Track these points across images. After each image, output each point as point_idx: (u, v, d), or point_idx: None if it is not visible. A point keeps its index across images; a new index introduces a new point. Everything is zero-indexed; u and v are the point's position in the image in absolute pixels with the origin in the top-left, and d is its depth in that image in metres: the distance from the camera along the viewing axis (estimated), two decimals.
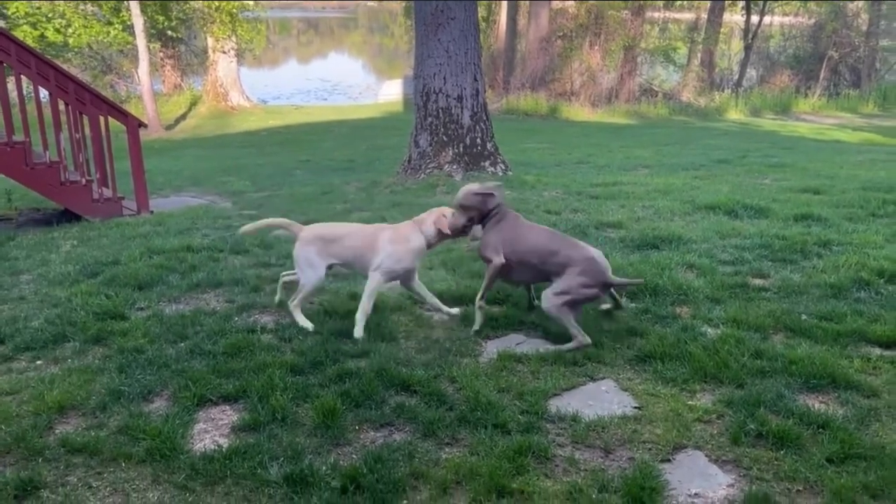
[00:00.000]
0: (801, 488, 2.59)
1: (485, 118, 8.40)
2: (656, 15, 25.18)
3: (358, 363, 3.53)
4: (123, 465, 2.76)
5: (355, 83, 31.02)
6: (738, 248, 5.25)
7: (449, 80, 8.10)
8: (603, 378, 3.45)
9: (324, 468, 2.69)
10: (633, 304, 4.28)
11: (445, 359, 3.60)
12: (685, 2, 27.38)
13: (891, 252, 5.06)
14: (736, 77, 23.52)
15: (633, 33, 20.75)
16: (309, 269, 3.96)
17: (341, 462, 2.75)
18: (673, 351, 3.62)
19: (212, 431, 3.01)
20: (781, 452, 2.80)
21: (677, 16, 29.07)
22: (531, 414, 3.08)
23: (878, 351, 3.64)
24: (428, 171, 8.19)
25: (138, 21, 17.62)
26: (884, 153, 11.56)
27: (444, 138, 8.22)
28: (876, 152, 11.82)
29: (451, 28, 8.04)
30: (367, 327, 3.90)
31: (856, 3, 25.25)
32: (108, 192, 7.60)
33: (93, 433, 2.96)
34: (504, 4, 23.25)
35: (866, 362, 3.51)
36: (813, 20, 24.33)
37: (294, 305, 3.99)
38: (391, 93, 25.66)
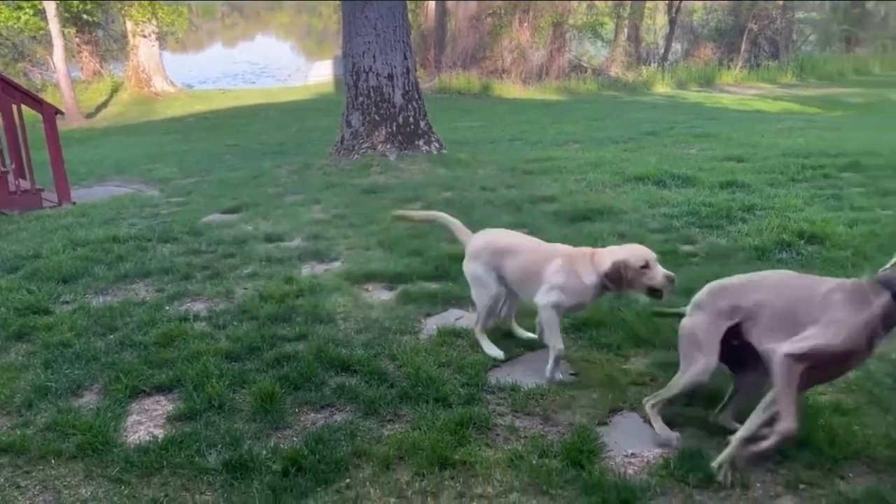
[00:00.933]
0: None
1: (417, 97, 8.35)
2: None
3: (296, 347, 3.49)
4: (53, 462, 2.66)
5: (284, 65, 30.38)
6: (667, 217, 5.40)
7: (378, 59, 8.01)
8: (542, 348, 3.50)
9: (264, 452, 2.65)
10: None
11: (385, 338, 3.59)
12: None
13: (810, 214, 5.28)
14: (662, 51, 24.05)
15: (561, 10, 20.94)
16: (480, 287, 3.39)
17: (282, 445, 2.72)
18: (608, 318, 3.70)
19: (146, 423, 2.93)
20: (711, 411, 2.90)
21: None
22: (472, 386, 3.10)
23: None
24: (361, 151, 8.10)
25: (50, 5, 16.78)
26: (802, 121, 12.03)
27: (377, 118, 8.14)
28: (794, 120, 12.29)
29: (378, 5, 7.93)
30: (303, 310, 3.85)
31: None
32: (25, 184, 7.26)
33: (19, 431, 2.84)
34: None
35: None
36: None
37: (478, 331, 3.44)
38: (321, 74, 25.25)
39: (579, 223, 5.36)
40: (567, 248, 3.34)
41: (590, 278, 3.13)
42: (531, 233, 5.10)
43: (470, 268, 3.44)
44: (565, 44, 21.95)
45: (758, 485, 2.49)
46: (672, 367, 3.22)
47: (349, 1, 8.09)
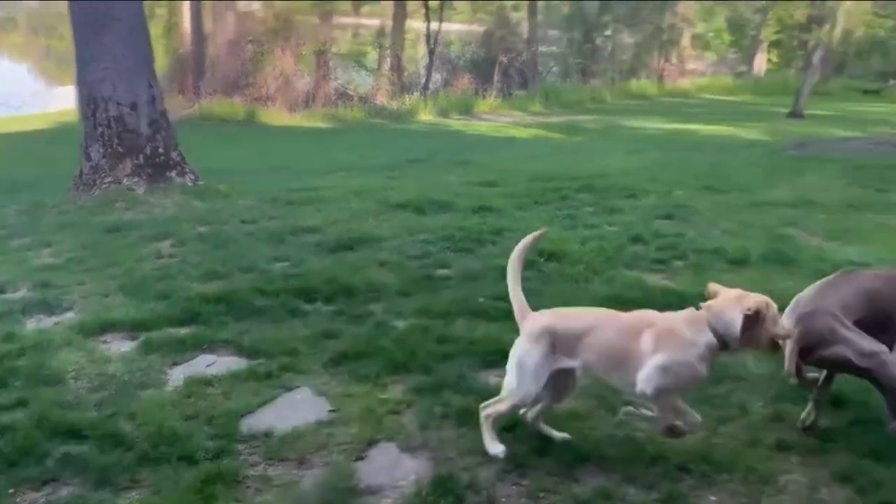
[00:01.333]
0: (480, 460, 2.79)
1: (166, 126, 7.85)
2: (345, 20, 25.88)
3: (13, 415, 3.05)
4: None
5: (18, 91, 27.16)
6: (425, 243, 5.58)
7: (119, 87, 7.42)
8: (298, 387, 3.40)
9: None
10: (328, 307, 4.31)
11: (124, 394, 3.27)
12: (372, 4, 28.49)
13: (550, 234, 5.72)
14: (423, 81, 25.13)
15: (324, 38, 21.05)
16: (523, 377, 2.73)
17: None
18: (366, 348, 3.71)
19: None
20: (464, 429, 3.00)
21: (366, 22, 30.18)
22: (222, 438, 2.92)
23: None
24: (104, 186, 7.43)
25: None
26: (548, 146, 13.19)
27: (120, 149, 7.52)
28: (541, 146, 13.43)
29: (117, 29, 7.36)
30: (25, 371, 3.39)
31: (518, 13, 28.45)
32: None
33: None
34: (186, 5, 22.08)
35: None
36: (483, 28, 26.91)
37: (489, 421, 2.75)
38: (63, 100, 22.92)
39: (341, 253, 5.35)
40: (655, 315, 2.80)
41: (701, 341, 2.60)
42: (293, 265, 5.03)
43: (522, 351, 2.80)
44: (330, 71, 22.09)
45: (503, 499, 2.60)
46: (429, 390, 3.31)
47: (83, 25, 7.42)
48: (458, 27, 30.73)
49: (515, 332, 3.89)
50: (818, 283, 3.14)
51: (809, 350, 2.82)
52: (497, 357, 3.61)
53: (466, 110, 21.17)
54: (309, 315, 4.19)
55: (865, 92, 25.70)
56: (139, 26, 7.62)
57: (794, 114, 18.42)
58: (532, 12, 25.96)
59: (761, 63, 28.33)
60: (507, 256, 5.03)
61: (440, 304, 4.28)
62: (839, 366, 2.89)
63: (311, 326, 4.01)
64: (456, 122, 19.42)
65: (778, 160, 9.66)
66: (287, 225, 6.18)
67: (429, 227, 6.05)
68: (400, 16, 25.32)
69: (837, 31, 24.08)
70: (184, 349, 3.72)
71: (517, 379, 2.75)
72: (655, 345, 2.62)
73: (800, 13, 27.41)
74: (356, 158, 11.79)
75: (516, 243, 5.30)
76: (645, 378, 2.60)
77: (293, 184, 8.49)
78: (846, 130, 14.60)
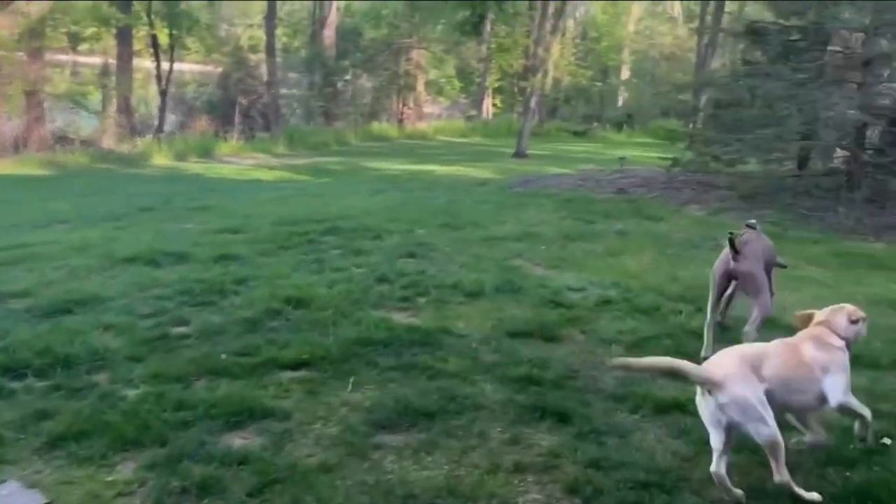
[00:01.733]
0: None
1: None
2: (61, 58, 23.54)
3: None
4: None
5: None
6: (160, 299, 5.17)
7: None
8: (4, 481, 2.92)
9: None
10: (42, 383, 3.79)
11: None
12: (92, 41, 26.27)
13: (297, 280, 5.66)
14: (156, 122, 23.68)
15: (34, 77, 18.92)
16: (763, 416, 2.81)
17: None
18: (89, 425, 3.31)
19: None
20: (205, 501, 2.79)
21: (84, 59, 27.75)
22: None
23: (288, 374, 3.98)
24: None
25: None
26: (293, 189, 13.05)
27: None
28: (287, 188, 13.26)
29: None
30: None
31: (256, 55, 28.11)
32: None
33: None
34: None
35: (279, 387, 3.80)
36: (220, 69, 26.16)
37: (787, 478, 2.80)
38: None
39: (57, 318, 4.75)
40: (797, 337, 3.20)
41: (841, 343, 3.13)
42: None
43: (746, 397, 2.81)
44: (45, 113, 19.89)
45: None
46: (165, 464, 3.02)
47: None
48: (191, 67, 29.51)
49: (258, 387, 3.77)
50: None
51: None
52: (241, 417, 3.44)
53: (206, 153, 20.32)
54: (17, 395, 3.64)
55: (574, 133, 29.26)
56: None
57: (518, 154, 20.33)
58: (271, 54, 25.81)
59: (488, 107, 30.98)
60: (252, 307, 4.93)
61: (177, 367, 3.98)
62: None
63: (20, 408, 3.49)
64: (195, 166, 18.52)
65: (505, 197, 10.54)
66: None
67: (163, 281, 5.63)
68: (125, 54, 23.67)
69: (548, 80, 27.21)
70: None
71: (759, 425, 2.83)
72: (824, 354, 3.08)
73: (517, 63, 30.55)
74: (78, 208, 10.66)
75: (261, 292, 5.19)
76: (832, 390, 3.02)
77: None
78: (560, 168, 16.41)
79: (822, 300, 5.43)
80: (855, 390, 3.86)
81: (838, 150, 9.15)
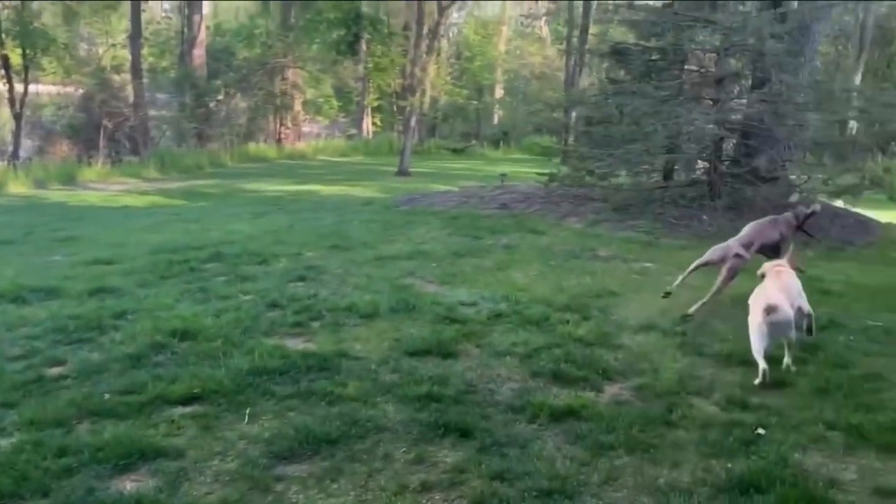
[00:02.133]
0: None
1: None
2: None
3: None
4: None
5: None
6: (30, 338, 4.81)
7: None
8: None
9: None
10: None
11: None
12: None
13: (181, 311, 5.42)
14: (11, 148, 22.01)
15: None
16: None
17: None
18: None
19: None
20: None
21: None
22: None
23: (179, 410, 3.81)
24: None
25: None
26: (167, 215, 12.48)
27: None
28: (161, 214, 12.67)
29: None
30: None
31: (121, 76, 26.75)
32: None
33: None
34: None
35: (171, 425, 3.63)
36: (81, 90, 24.69)
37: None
38: None
39: None
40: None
41: None
42: None
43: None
44: None
45: None
46: None
47: None
48: (49, 89, 27.65)
49: (147, 426, 3.58)
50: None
51: None
52: (132, 459, 3.27)
53: (69, 180, 19.07)
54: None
55: (453, 151, 29.81)
56: None
57: (401, 172, 20.46)
58: (137, 75, 24.66)
59: (368, 126, 31.01)
60: (134, 342, 4.68)
61: (55, 410, 3.71)
62: None
63: None
64: (57, 194, 17.33)
65: (392, 216, 10.57)
66: None
67: (32, 319, 5.24)
68: None
69: (426, 99, 27.62)
70: None
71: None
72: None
73: (395, 83, 30.82)
74: None
75: (143, 325, 4.93)
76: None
77: None
78: (443, 185, 16.65)
79: (694, 303, 5.85)
80: (728, 384, 4.19)
81: (699, 161, 9.86)
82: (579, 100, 12.04)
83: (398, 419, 3.76)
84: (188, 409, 3.82)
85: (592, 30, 23.63)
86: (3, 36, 22.02)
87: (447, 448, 3.48)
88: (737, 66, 10.31)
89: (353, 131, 31.18)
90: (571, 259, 7.32)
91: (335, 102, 32.62)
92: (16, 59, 23.36)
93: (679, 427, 3.72)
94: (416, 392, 4.02)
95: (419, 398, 3.96)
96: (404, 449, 3.48)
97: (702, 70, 10.48)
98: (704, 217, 8.78)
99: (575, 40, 26.34)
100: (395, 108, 31.85)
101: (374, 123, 32.27)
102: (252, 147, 25.94)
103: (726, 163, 9.67)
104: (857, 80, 22.69)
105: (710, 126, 8.34)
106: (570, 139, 22.39)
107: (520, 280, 6.51)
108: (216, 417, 3.73)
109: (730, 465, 3.32)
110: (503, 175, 13.48)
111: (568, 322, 5.26)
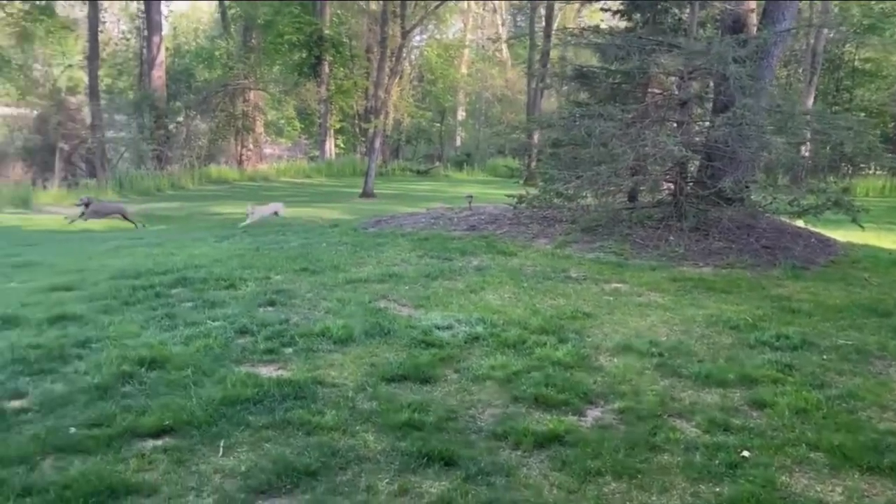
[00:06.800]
0: None
1: None
2: None
3: None
4: None
5: None
6: None
7: None
8: None
9: None
10: None
11: None
12: None
13: (148, 338, 5.24)
14: None
15: None
16: None
17: None
18: None
19: None
20: None
21: None
22: None
23: (151, 443, 3.66)
24: None
25: None
26: (127, 239, 12.17)
27: None
28: (121, 238, 12.33)
29: None
30: None
31: (77, 97, 26.24)
32: None
33: None
34: None
35: (142, 459, 3.48)
36: (36, 112, 24.13)
37: None
38: None
39: None
40: None
41: None
42: None
43: None
44: None
45: None
46: None
47: None
48: (2, 110, 26.98)
49: (117, 461, 3.42)
50: None
51: None
52: (101, 498, 3.11)
53: (23, 203, 18.57)
54: None
55: (417, 172, 29.85)
56: None
57: (365, 193, 20.37)
58: (94, 96, 24.21)
59: (331, 148, 30.87)
60: (99, 372, 4.49)
61: (17, 447, 3.53)
62: None
63: None
64: (10, 217, 16.83)
65: (360, 238, 10.45)
66: None
67: None
68: None
69: (390, 121, 27.63)
70: None
71: None
72: None
73: (358, 104, 30.81)
74: None
75: (108, 354, 4.74)
76: None
77: None
78: (408, 207, 16.61)
79: (668, 323, 5.88)
80: (708, 406, 4.18)
81: (664, 183, 9.99)
82: (547, 122, 12.10)
83: (379, 448, 3.66)
84: (160, 442, 3.67)
85: (553, 53, 23.97)
86: None
87: (432, 478, 3.39)
88: (699, 90, 10.52)
89: (316, 153, 31.01)
90: (544, 280, 7.31)
91: (297, 124, 32.45)
92: None
93: (664, 451, 3.70)
94: (397, 420, 3.93)
95: (400, 426, 3.87)
96: (387, 480, 3.38)
97: (665, 93, 10.65)
98: (671, 237, 8.87)
99: (536, 64, 26.66)
100: (357, 130, 31.81)
101: (336, 145, 32.16)
102: (213, 169, 25.64)
103: (691, 184, 9.82)
104: (809, 103, 23.39)
105: (676, 148, 8.46)
106: (534, 161, 22.62)
107: (494, 302, 6.46)
108: (189, 450, 3.59)
109: (718, 490, 3.30)
110: (470, 196, 13.47)
111: (546, 345, 5.22)
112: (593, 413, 4.20)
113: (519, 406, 4.23)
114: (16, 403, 4.11)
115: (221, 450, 3.60)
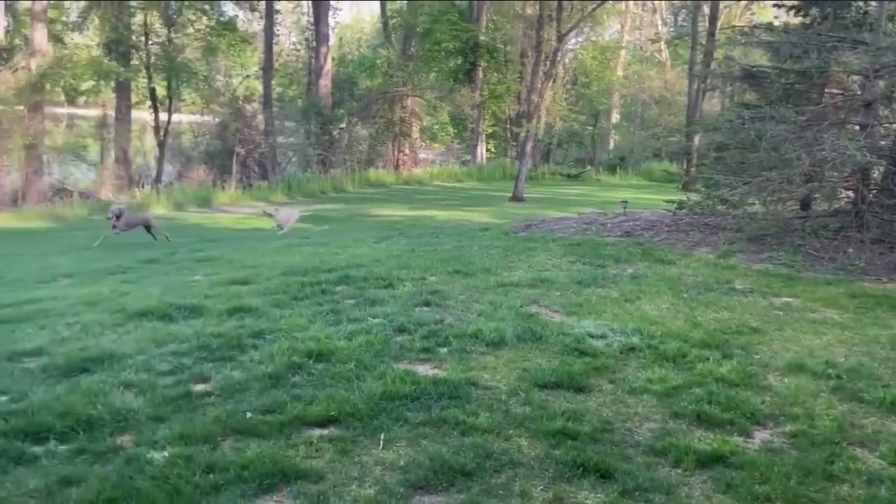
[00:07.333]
0: None
1: None
2: (58, 111, 23.71)
3: None
4: None
5: None
6: (177, 355, 5.06)
7: None
8: None
9: None
10: (65, 447, 3.66)
11: None
12: (90, 98, 26.56)
13: (315, 332, 5.56)
14: (154, 173, 23.75)
15: (34, 130, 19.01)
16: None
17: None
18: (118, 493, 3.19)
19: None
20: None
21: (83, 112, 27.95)
22: None
23: (317, 432, 3.87)
24: None
25: None
26: (295, 237, 12.99)
27: None
28: (289, 237, 13.21)
29: None
30: None
31: (252, 105, 28.39)
32: None
33: None
34: None
35: (309, 446, 3.69)
36: (217, 119, 26.38)
37: None
38: None
39: (75, 377, 4.64)
40: None
41: None
42: (12, 399, 4.24)
43: None
44: (43, 166, 19.94)
45: None
46: None
47: None
48: (189, 118, 29.75)
49: (288, 446, 3.66)
50: None
51: None
52: (274, 480, 3.33)
53: (205, 203, 20.34)
54: (40, 460, 3.52)
55: (568, 176, 29.50)
56: None
57: (515, 197, 20.43)
58: (268, 104, 26.06)
59: (482, 152, 31.26)
60: (272, 361, 4.82)
61: (202, 427, 3.86)
62: None
63: (44, 474, 3.37)
64: (195, 216, 18.50)
65: (510, 242, 10.50)
66: (1, 350, 5.25)
67: (179, 336, 5.52)
68: (123, 106, 23.86)
69: (541, 125, 27.54)
70: None
71: None
72: None
73: (510, 109, 30.98)
74: (81, 262, 10.58)
75: (280, 345, 5.09)
76: None
77: (5, 297, 7.32)
78: (558, 211, 16.47)
79: (846, 343, 5.41)
80: (892, 436, 3.78)
81: (843, 190, 9.21)
82: (712, 125, 11.53)
83: (533, 454, 3.65)
84: (325, 432, 3.88)
85: (718, 52, 22.79)
86: (151, 70, 23.87)
87: (587, 489, 3.34)
88: (885, 90, 9.60)
89: (468, 157, 31.51)
90: (706, 291, 6.97)
91: (451, 129, 33.15)
92: (161, 90, 25.28)
93: (843, 481, 3.41)
94: (550, 427, 3.91)
95: (553, 434, 3.84)
96: (542, 487, 3.36)
97: (846, 93, 9.82)
98: (850, 249, 8.15)
99: (699, 64, 25.48)
100: (509, 135, 31.97)
101: (488, 150, 32.50)
102: (372, 173, 26.74)
103: (874, 191, 8.97)
104: None
105: (858, 152, 7.75)
106: (693, 165, 21.63)
107: (651, 312, 6.25)
108: (352, 441, 3.76)
109: None
110: (625, 202, 13.14)
111: (708, 360, 4.98)
112: (761, 435, 3.95)
113: (679, 422, 4.06)
114: (200, 387, 4.51)
115: (382, 443, 3.74)
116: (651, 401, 4.36)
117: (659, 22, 40.24)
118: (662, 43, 37.46)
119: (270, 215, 14.23)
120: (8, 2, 22.02)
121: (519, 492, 3.31)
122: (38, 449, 3.64)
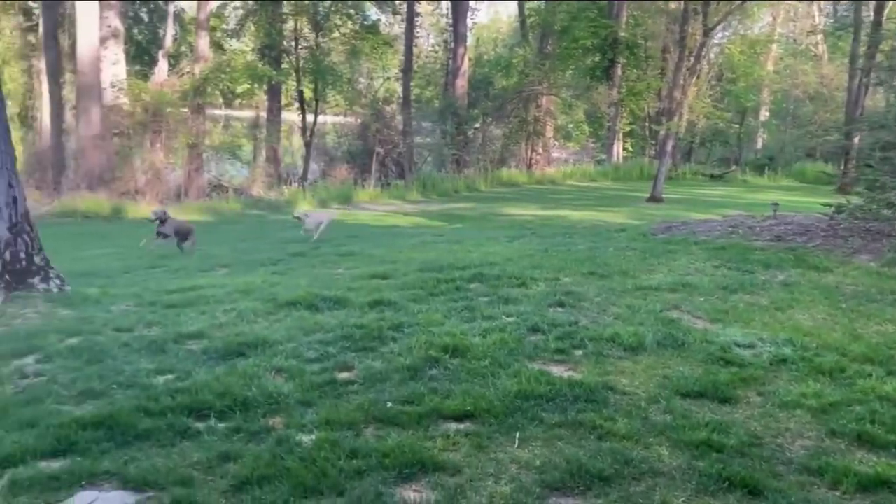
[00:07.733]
0: None
1: (28, 229, 7.23)
2: (216, 112, 25.58)
3: None
4: None
5: None
6: (323, 343, 5.32)
7: None
8: None
9: None
10: (223, 425, 3.96)
11: None
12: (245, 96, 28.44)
13: (451, 328, 5.66)
14: (301, 171, 25.08)
15: (196, 131, 20.64)
16: None
17: None
18: (270, 470, 3.40)
19: None
20: None
21: (238, 114, 30.00)
22: None
23: (454, 426, 3.94)
24: None
25: None
26: (430, 235, 13.29)
27: None
28: (424, 235, 13.52)
29: None
30: None
31: (391, 106, 29.33)
32: None
33: None
34: (44, 100, 21.08)
35: (446, 440, 3.76)
36: (359, 120, 27.45)
37: None
38: None
39: (231, 360, 4.99)
40: None
41: None
42: (178, 377, 4.63)
43: None
44: (203, 164, 21.61)
45: None
46: None
47: None
48: (333, 119, 31.15)
49: (426, 438, 3.75)
50: None
51: None
52: (413, 470, 3.42)
53: (346, 200, 21.22)
54: (202, 435, 3.82)
55: (711, 176, 28.17)
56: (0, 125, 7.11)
57: (654, 198, 19.77)
58: (406, 105, 26.79)
59: (619, 151, 30.50)
60: (410, 354, 4.96)
61: (346, 413, 4.04)
62: None
63: (206, 449, 3.65)
64: (337, 213, 19.33)
65: (649, 244, 10.19)
66: (168, 332, 5.74)
67: (324, 325, 5.81)
68: (274, 108, 25.35)
69: (683, 122, 26.47)
70: (59, 487, 3.26)
71: None
72: None
73: (649, 106, 30.01)
74: (237, 253, 11.35)
75: (418, 339, 5.22)
76: None
77: (171, 284, 7.99)
78: (699, 213, 15.78)
79: None
80: None
81: None
82: (879, 122, 10.62)
83: (674, 464, 3.53)
84: (461, 426, 3.94)
85: (884, 45, 20.93)
86: (301, 73, 25.20)
87: None
88: None
89: (603, 156, 30.86)
90: (867, 302, 6.44)
91: (586, 128, 32.60)
92: (308, 93, 26.64)
93: None
94: (693, 438, 3.76)
95: (697, 444, 3.69)
96: (683, 499, 3.25)
97: None
98: None
99: (862, 58, 23.52)
100: (648, 133, 30.99)
101: (625, 149, 31.67)
102: (504, 172, 26.82)
103: None
104: None
105: None
106: (853, 165, 20.02)
107: (804, 322, 5.86)
108: (488, 437, 3.80)
109: None
110: (775, 204, 12.37)
111: (870, 376, 4.60)
112: None
113: (837, 441, 3.78)
114: (344, 375, 4.71)
115: (517, 441, 3.75)
116: (805, 416, 4.08)
117: (816, 12, 37.50)
118: (820, 35, 34.88)
119: (299, 219, 13.19)
120: (176, 11, 24.04)
121: (659, 502, 3.21)
122: (200, 425, 3.95)
